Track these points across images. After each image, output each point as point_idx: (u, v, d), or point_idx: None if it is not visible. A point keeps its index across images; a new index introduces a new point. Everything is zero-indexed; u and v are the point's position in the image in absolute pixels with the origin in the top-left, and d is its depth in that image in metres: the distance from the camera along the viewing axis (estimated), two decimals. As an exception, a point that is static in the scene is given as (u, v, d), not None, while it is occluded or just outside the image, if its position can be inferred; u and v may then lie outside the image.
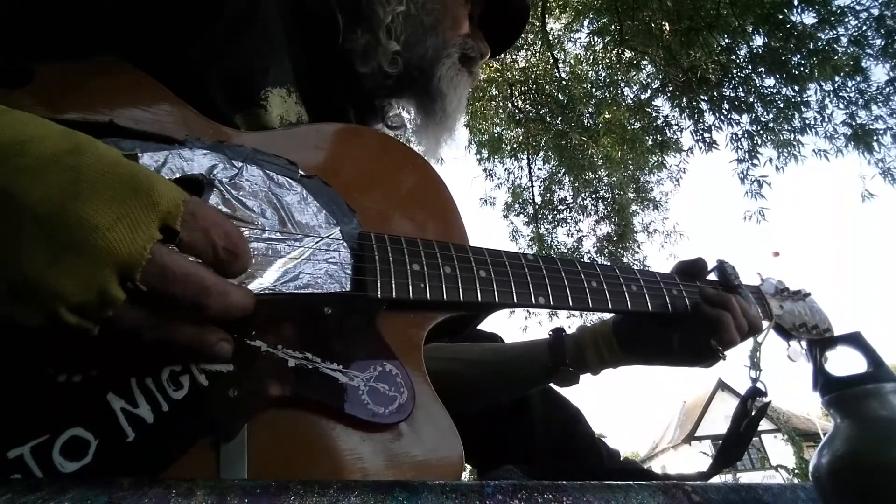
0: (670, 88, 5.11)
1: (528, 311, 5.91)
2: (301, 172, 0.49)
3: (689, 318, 0.65)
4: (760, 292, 0.76)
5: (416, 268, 0.47)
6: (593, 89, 6.03)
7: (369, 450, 0.40)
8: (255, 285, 0.42)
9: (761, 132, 4.85)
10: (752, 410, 0.68)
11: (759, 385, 0.68)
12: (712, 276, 0.74)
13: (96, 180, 0.29)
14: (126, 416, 0.33)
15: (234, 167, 0.46)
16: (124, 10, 0.48)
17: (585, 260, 6.87)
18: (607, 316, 0.75)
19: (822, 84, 4.68)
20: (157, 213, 0.30)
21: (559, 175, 6.96)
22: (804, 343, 0.75)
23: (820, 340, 0.49)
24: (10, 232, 0.27)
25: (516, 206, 7.11)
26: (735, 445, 0.69)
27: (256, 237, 0.44)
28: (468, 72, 0.73)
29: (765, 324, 0.71)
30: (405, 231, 0.51)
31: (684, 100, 5.01)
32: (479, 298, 0.49)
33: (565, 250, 7.04)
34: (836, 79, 4.57)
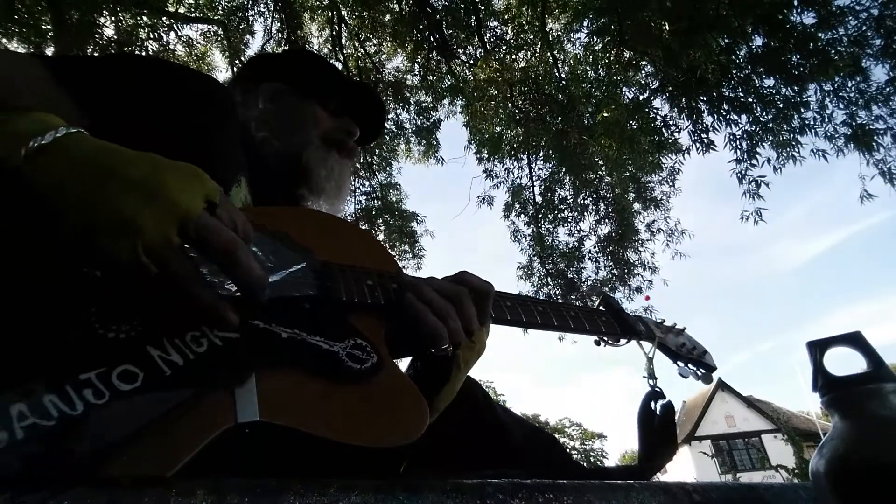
0: (669, 89, 5.10)
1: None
2: (269, 229, 0.61)
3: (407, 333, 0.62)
4: (642, 319, 0.93)
5: (370, 283, 0.62)
6: (593, 89, 6.03)
7: (350, 395, 0.50)
8: None
9: (760, 132, 4.84)
10: (656, 410, 0.83)
11: (656, 389, 0.83)
12: (600, 308, 0.91)
13: (168, 165, 0.44)
14: (163, 360, 0.43)
15: None
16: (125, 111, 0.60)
17: (588, 260, 6.89)
18: None
19: (822, 84, 4.67)
20: (205, 190, 0.45)
21: (559, 175, 6.96)
22: (690, 365, 0.95)
23: (820, 341, 0.49)
24: (114, 187, 0.41)
25: (517, 205, 7.11)
26: (661, 439, 0.81)
27: None
28: (338, 151, 0.92)
29: (647, 345, 0.89)
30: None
31: (683, 100, 5.00)
32: None
33: (566, 250, 7.04)
34: (836, 79, 4.57)
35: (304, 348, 0.50)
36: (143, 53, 5.48)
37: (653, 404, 0.83)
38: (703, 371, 0.95)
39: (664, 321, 0.99)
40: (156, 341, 0.44)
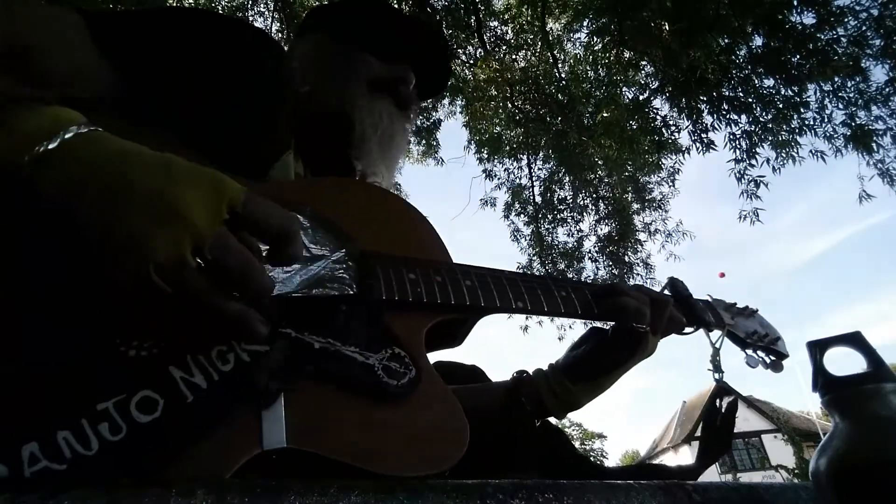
0: (669, 89, 5.10)
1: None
2: (309, 210, 0.56)
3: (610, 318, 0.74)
4: (711, 305, 0.87)
5: (412, 277, 0.56)
6: (593, 89, 6.03)
7: (386, 417, 0.46)
8: (282, 291, 0.50)
9: (760, 132, 4.84)
10: (721, 407, 0.78)
11: (723, 386, 0.79)
12: (666, 292, 0.85)
13: (183, 173, 0.40)
14: (185, 383, 0.40)
15: None
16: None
17: (587, 260, 6.90)
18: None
19: (822, 84, 4.67)
20: (225, 198, 0.40)
21: (559, 175, 6.95)
22: (760, 353, 0.87)
23: (820, 341, 0.49)
24: (125, 204, 0.37)
25: (517, 205, 7.11)
26: (718, 439, 0.78)
27: None
28: (390, 98, 0.81)
29: (716, 333, 0.82)
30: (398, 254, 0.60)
31: (683, 100, 5.00)
32: (468, 301, 0.58)
33: (566, 250, 7.03)
34: (836, 79, 4.57)
35: (337, 360, 0.47)
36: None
37: (718, 402, 0.78)
38: (772, 358, 0.87)
39: (735, 304, 0.91)
40: (179, 360, 0.41)
